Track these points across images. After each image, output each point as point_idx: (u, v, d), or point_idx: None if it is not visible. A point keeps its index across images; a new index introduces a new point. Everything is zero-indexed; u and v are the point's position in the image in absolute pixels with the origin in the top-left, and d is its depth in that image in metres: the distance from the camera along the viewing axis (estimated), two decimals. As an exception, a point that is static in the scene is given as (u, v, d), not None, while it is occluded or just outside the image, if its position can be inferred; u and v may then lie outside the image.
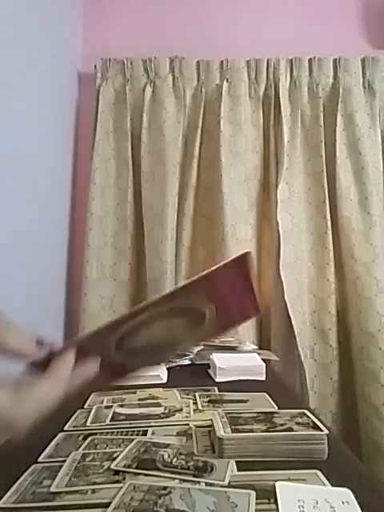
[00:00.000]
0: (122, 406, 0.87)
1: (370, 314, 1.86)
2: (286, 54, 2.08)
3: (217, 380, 1.07)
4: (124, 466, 0.59)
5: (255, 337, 1.94)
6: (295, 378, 1.87)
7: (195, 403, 0.87)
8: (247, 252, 0.50)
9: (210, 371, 1.15)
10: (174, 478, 0.55)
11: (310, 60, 2.09)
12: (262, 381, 1.07)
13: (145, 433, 0.72)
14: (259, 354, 1.26)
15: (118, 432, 0.73)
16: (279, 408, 0.81)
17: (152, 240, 1.98)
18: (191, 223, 2.03)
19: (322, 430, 0.63)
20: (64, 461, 0.62)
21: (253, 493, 0.51)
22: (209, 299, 0.50)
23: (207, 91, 2.09)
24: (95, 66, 2.10)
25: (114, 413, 0.83)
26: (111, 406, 0.86)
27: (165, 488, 0.52)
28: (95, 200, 2.01)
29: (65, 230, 2.04)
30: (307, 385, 1.83)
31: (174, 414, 0.81)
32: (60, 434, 0.73)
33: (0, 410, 0.40)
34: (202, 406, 0.85)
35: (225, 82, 2.06)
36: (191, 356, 1.29)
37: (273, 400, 0.88)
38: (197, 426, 0.73)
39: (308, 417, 0.69)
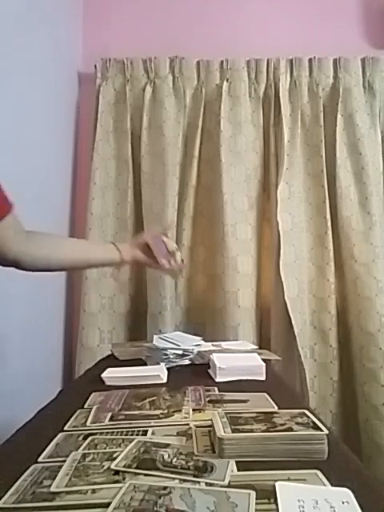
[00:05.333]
0: (122, 405, 0.87)
1: (370, 314, 1.86)
2: (286, 54, 2.08)
3: (217, 380, 1.07)
4: (124, 466, 0.59)
5: (255, 337, 1.94)
6: (295, 378, 1.87)
7: (195, 402, 0.87)
8: None
9: (210, 371, 1.15)
10: (174, 478, 0.55)
11: (310, 60, 2.09)
12: (262, 381, 1.07)
13: (145, 433, 0.72)
14: (259, 353, 1.25)
15: (117, 432, 0.73)
16: (279, 408, 0.81)
17: (152, 240, 1.98)
18: (191, 223, 2.03)
19: (322, 430, 0.63)
20: (64, 461, 0.61)
21: (253, 493, 0.51)
22: None
23: (207, 91, 2.09)
24: (95, 66, 2.10)
25: (114, 413, 0.83)
26: (111, 406, 0.86)
27: (165, 488, 0.52)
28: (95, 200, 2.01)
29: (65, 230, 2.04)
30: (307, 385, 1.83)
31: (173, 414, 0.81)
32: (60, 434, 0.73)
33: None
34: (202, 406, 0.85)
35: (225, 82, 2.07)
36: (191, 356, 1.29)
37: (273, 400, 0.88)
38: (197, 426, 0.73)
39: (308, 417, 0.68)
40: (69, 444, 0.69)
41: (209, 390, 0.97)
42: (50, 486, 0.55)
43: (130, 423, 0.77)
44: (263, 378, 1.09)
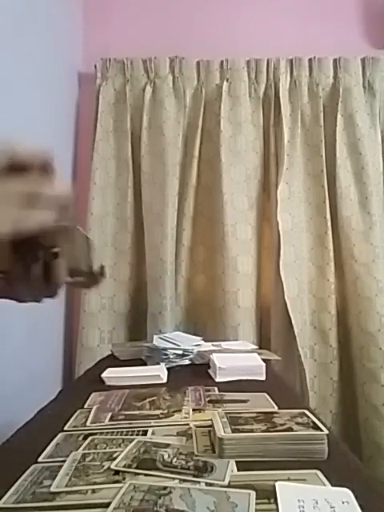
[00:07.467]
0: (122, 405, 0.87)
1: (370, 314, 1.86)
2: (286, 54, 2.08)
3: (217, 380, 1.07)
4: (124, 466, 0.59)
5: (255, 337, 1.94)
6: (295, 378, 1.87)
7: (195, 403, 0.87)
8: None
9: (210, 371, 1.15)
10: (174, 478, 0.55)
11: (310, 60, 2.09)
12: (262, 381, 1.07)
13: (145, 433, 0.72)
14: (259, 353, 1.26)
15: (117, 432, 0.73)
16: (279, 408, 0.81)
17: (152, 240, 1.98)
18: (191, 223, 2.03)
19: (322, 430, 0.63)
20: (64, 461, 0.62)
21: (253, 493, 0.51)
22: None
23: (207, 91, 2.09)
24: (95, 66, 2.10)
25: (114, 413, 0.83)
26: (111, 406, 0.86)
27: (165, 488, 0.52)
28: (95, 200, 2.01)
29: (65, 230, 2.04)
30: (307, 385, 1.83)
31: (173, 414, 0.81)
32: (60, 434, 0.73)
33: None
34: (202, 406, 0.85)
35: (225, 82, 2.06)
36: (191, 356, 1.29)
37: (273, 400, 0.88)
38: (197, 426, 0.73)
39: (308, 417, 0.68)
40: (69, 444, 0.69)
41: (209, 390, 0.97)
42: (50, 485, 0.55)
43: (130, 423, 0.77)
44: (263, 377, 1.09)
